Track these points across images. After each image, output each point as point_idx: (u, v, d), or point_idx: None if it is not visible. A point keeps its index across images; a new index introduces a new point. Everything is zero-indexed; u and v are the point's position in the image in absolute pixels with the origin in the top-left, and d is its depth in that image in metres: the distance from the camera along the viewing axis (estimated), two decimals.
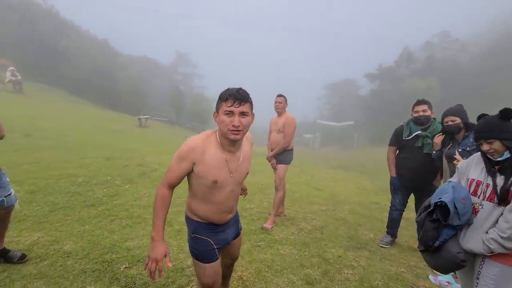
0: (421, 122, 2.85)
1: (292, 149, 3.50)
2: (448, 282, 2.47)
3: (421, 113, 2.83)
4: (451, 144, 2.44)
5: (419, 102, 2.89)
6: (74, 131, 9.81)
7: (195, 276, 2.23)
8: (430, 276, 2.56)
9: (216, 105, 1.35)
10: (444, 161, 2.49)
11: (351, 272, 2.51)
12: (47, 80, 21.96)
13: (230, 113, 1.28)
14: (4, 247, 2.14)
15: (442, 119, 2.43)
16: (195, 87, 45.44)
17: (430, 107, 2.85)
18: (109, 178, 4.57)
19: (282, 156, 3.44)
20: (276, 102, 3.47)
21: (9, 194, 2.06)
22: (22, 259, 2.15)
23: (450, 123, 2.37)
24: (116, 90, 28.99)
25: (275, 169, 3.53)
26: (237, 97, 1.27)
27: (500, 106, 1.42)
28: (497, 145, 1.41)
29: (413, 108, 2.92)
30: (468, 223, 1.48)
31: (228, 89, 1.32)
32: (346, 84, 45.16)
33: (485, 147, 1.44)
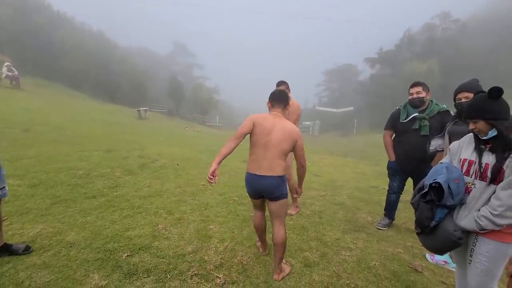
0: (415, 104, 2.83)
1: None
2: (445, 262, 2.52)
3: (415, 95, 2.82)
4: (456, 120, 2.30)
5: (413, 84, 2.87)
6: (73, 124, 9.80)
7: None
8: (427, 255, 2.61)
9: None
10: (446, 139, 2.35)
11: (349, 254, 2.57)
12: (44, 74, 21.74)
13: None
14: (5, 243, 2.18)
15: (455, 96, 2.25)
16: (195, 78, 44.98)
17: (425, 89, 2.81)
18: (109, 170, 4.60)
19: None
20: None
21: (4, 187, 2.08)
22: (27, 250, 2.20)
23: (463, 100, 2.16)
24: (114, 83, 28.75)
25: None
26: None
27: (502, 86, 1.41)
28: (481, 124, 1.43)
29: (408, 90, 2.89)
30: (461, 202, 1.50)
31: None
32: (346, 70, 44.57)
33: (471, 126, 1.48)
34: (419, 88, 2.80)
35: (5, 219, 2.62)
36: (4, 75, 14.51)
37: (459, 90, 2.20)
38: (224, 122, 31.44)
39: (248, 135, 2.09)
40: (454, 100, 2.28)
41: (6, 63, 14.81)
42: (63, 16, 32.09)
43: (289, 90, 3.40)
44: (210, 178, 1.92)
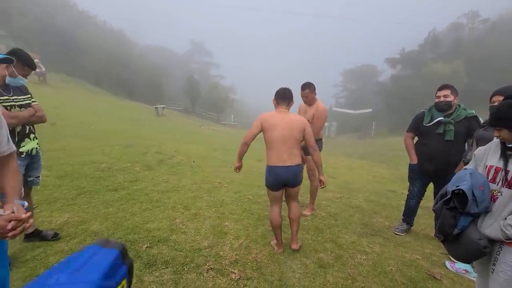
0: (441, 108, 2.72)
1: (321, 139, 3.38)
2: (466, 271, 2.43)
3: (442, 99, 2.71)
4: (486, 126, 2.22)
5: (441, 87, 2.75)
6: (95, 119, 10.23)
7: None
8: (447, 263, 2.54)
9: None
10: (474, 145, 2.27)
11: (364, 257, 2.54)
12: (68, 71, 22.77)
13: None
14: (36, 228, 2.34)
15: (490, 99, 2.17)
16: (212, 76, 45.56)
17: (453, 92, 2.69)
18: (129, 164, 4.78)
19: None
20: (302, 97, 3.30)
21: (39, 176, 2.24)
22: (55, 236, 2.35)
23: (496, 103, 2.06)
24: (133, 80, 29.70)
25: (304, 160, 3.36)
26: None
27: None
28: (504, 132, 1.39)
29: (435, 93, 2.79)
30: (486, 210, 1.45)
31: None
32: (365, 70, 43.56)
33: (496, 133, 1.44)
34: (447, 91, 2.69)
35: (35, 207, 2.80)
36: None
37: (495, 93, 2.14)
38: (238, 121, 31.63)
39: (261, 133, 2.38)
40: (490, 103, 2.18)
41: (35, 60, 15.65)
42: (86, 15, 33.48)
43: (315, 93, 3.29)
44: (237, 170, 2.63)
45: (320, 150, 3.32)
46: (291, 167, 2.29)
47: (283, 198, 2.49)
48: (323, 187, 2.62)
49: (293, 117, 2.37)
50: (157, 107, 18.39)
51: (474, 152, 1.66)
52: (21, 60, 1.97)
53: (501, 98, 2.03)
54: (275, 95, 2.46)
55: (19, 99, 2.02)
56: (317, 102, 3.28)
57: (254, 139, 2.38)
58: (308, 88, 3.23)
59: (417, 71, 28.63)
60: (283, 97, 2.43)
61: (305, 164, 3.44)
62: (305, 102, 3.34)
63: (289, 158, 2.29)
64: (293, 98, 2.49)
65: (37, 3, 26.17)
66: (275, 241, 2.58)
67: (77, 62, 25.85)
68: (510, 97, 1.45)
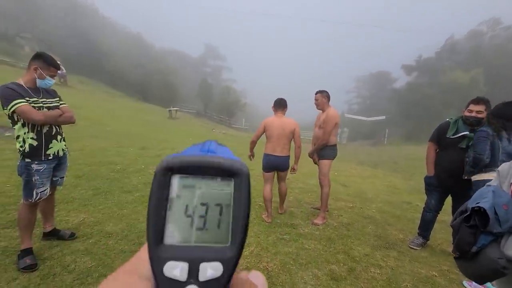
0: (471, 123, 2.61)
1: (335, 145, 3.42)
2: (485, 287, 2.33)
3: (473, 114, 2.57)
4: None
5: (477, 101, 2.58)
6: (111, 121, 10.51)
7: None
8: (464, 282, 2.43)
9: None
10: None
11: (378, 271, 2.47)
12: (86, 73, 23.60)
13: None
14: (54, 228, 2.41)
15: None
16: (224, 80, 46.08)
17: (487, 109, 2.54)
18: (143, 166, 4.87)
19: (323, 151, 3.40)
20: (315, 100, 3.46)
21: (63, 177, 2.32)
22: (72, 236, 2.41)
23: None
24: (148, 82, 30.41)
25: (317, 164, 3.54)
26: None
27: None
28: None
29: (468, 105, 2.64)
30: (511, 230, 1.38)
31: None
32: (379, 77, 42.89)
33: None
34: (482, 107, 2.54)
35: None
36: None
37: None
38: (249, 125, 31.75)
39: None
40: None
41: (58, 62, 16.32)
42: (107, 19, 34.68)
43: (328, 98, 3.43)
44: (251, 158, 3.45)
45: (333, 158, 3.42)
46: (281, 157, 3.20)
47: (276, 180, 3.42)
48: (293, 174, 3.41)
49: (286, 121, 3.21)
50: (170, 110, 18.72)
51: (498, 168, 1.59)
52: (46, 62, 2.05)
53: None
54: (274, 104, 3.30)
55: (48, 101, 2.11)
56: (329, 108, 3.38)
57: (259, 138, 3.28)
58: (319, 93, 3.44)
59: (434, 79, 27.94)
60: (279, 105, 3.27)
61: (318, 169, 3.50)
62: (316, 106, 3.48)
63: (281, 150, 3.18)
64: (287, 105, 3.31)
65: (61, 9, 27.39)
66: (266, 214, 3.34)
67: (96, 65, 26.79)
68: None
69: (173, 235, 0.19)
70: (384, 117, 27.90)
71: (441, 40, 33.13)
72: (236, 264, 0.19)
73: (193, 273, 0.18)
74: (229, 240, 0.19)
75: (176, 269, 0.18)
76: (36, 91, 2.06)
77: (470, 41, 31.28)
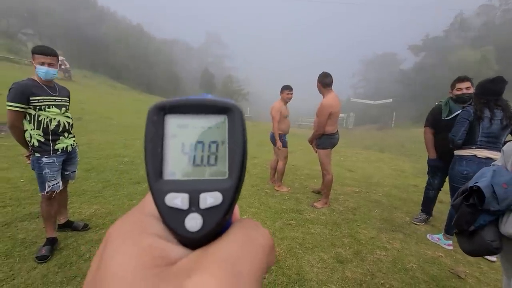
0: (464, 99, 2.72)
1: (332, 134, 3.32)
2: (438, 239, 2.79)
3: (464, 91, 2.71)
4: None
5: (462, 79, 2.76)
6: (117, 114, 10.61)
7: None
8: (428, 235, 2.89)
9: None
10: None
11: (384, 253, 2.51)
12: (90, 66, 23.66)
13: None
14: (68, 219, 2.50)
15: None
16: (227, 68, 45.63)
17: (473, 85, 2.71)
18: None
19: (319, 141, 3.39)
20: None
21: (75, 171, 2.38)
22: (85, 227, 2.50)
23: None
24: (151, 74, 30.36)
25: (316, 152, 3.55)
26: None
27: None
28: None
29: (453, 85, 2.80)
30: (510, 208, 1.39)
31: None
32: (385, 58, 41.85)
33: None
34: (469, 84, 2.71)
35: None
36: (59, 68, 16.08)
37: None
38: (254, 114, 31.62)
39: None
40: None
41: (60, 58, 16.36)
42: (106, 11, 34.31)
43: (324, 84, 3.27)
44: (279, 147, 3.85)
45: (331, 147, 3.39)
46: (271, 133, 3.96)
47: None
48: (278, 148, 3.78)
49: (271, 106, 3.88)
50: None
51: (503, 148, 1.57)
52: (32, 52, 2.04)
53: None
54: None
55: (58, 99, 2.14)
56: (325, 97, 3.24)
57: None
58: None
59: (442, 58, 27.08)
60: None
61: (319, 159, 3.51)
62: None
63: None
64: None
65: (60, 2, 27.16)
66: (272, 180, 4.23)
67: (98, 58, 26.78)
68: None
69: (171, 171, 0.19)
70: (391, 100, 27.35)
71: (450, 17, 31.83)
72: (235, 194, 0.19)
73: (194, 202, 0.18)
74: (226, 173, 0.20)
75: (177, 199, 0.18)
76: (53, 88, 2.10)
77: (480, 18, 29.98)
